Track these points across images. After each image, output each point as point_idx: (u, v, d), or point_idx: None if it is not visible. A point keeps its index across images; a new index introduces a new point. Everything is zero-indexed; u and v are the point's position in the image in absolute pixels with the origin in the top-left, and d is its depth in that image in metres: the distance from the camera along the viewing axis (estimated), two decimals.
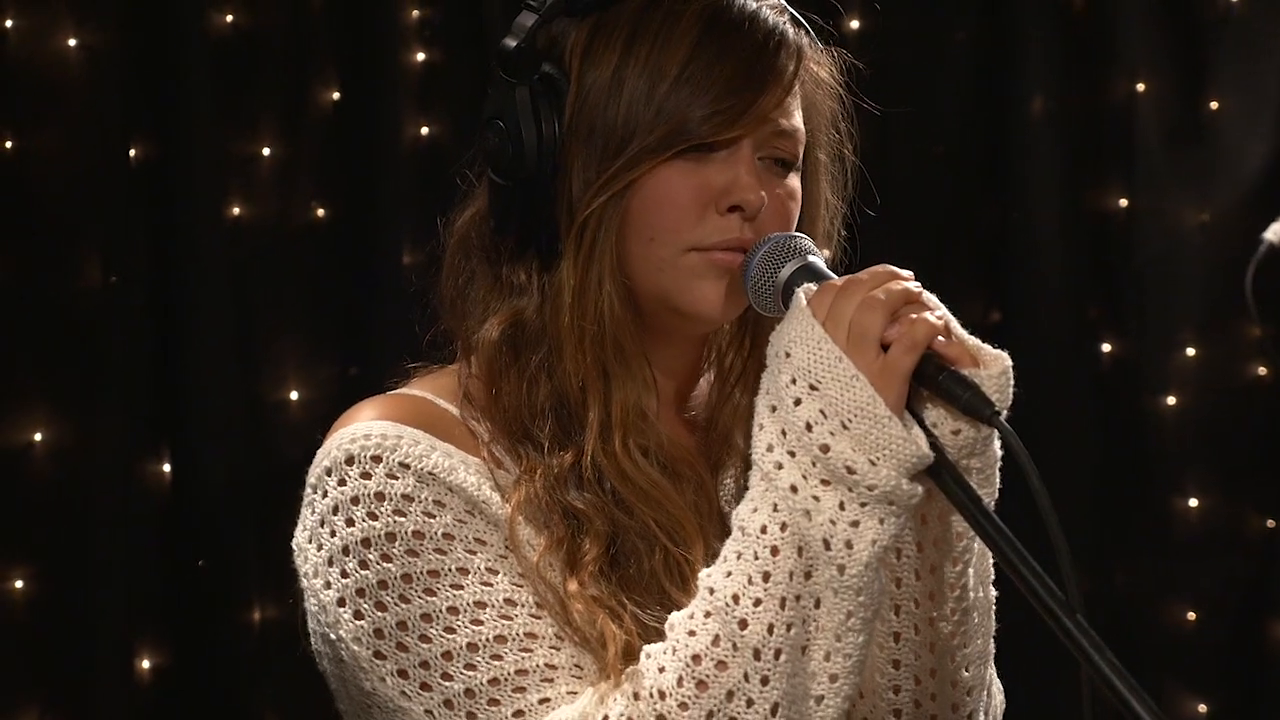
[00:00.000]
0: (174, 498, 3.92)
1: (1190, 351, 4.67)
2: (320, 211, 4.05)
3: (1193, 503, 4.67)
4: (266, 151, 3.99)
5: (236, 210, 3.99)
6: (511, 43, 1.75)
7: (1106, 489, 4.64)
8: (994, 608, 1.77)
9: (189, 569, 3.91)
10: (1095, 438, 4.65)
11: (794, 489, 1.59)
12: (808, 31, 1.82)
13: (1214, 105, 4.65)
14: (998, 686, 1.86)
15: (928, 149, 4.55)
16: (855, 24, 4.40)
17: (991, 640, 1.77)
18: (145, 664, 3.88)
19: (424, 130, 4.08)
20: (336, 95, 4.05)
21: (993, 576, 1.75)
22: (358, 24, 4.06)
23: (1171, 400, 4.68)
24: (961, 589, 1.72)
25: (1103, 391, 4.68)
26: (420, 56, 4.10)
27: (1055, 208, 4.60)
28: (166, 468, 3.92)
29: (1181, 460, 4.68)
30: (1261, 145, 4.60)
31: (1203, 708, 4.63)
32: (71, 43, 3.79)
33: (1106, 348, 4.68)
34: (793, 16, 1.81)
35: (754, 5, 1.77)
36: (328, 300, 4.04)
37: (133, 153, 3.88)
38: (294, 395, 3.99)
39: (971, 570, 1.72)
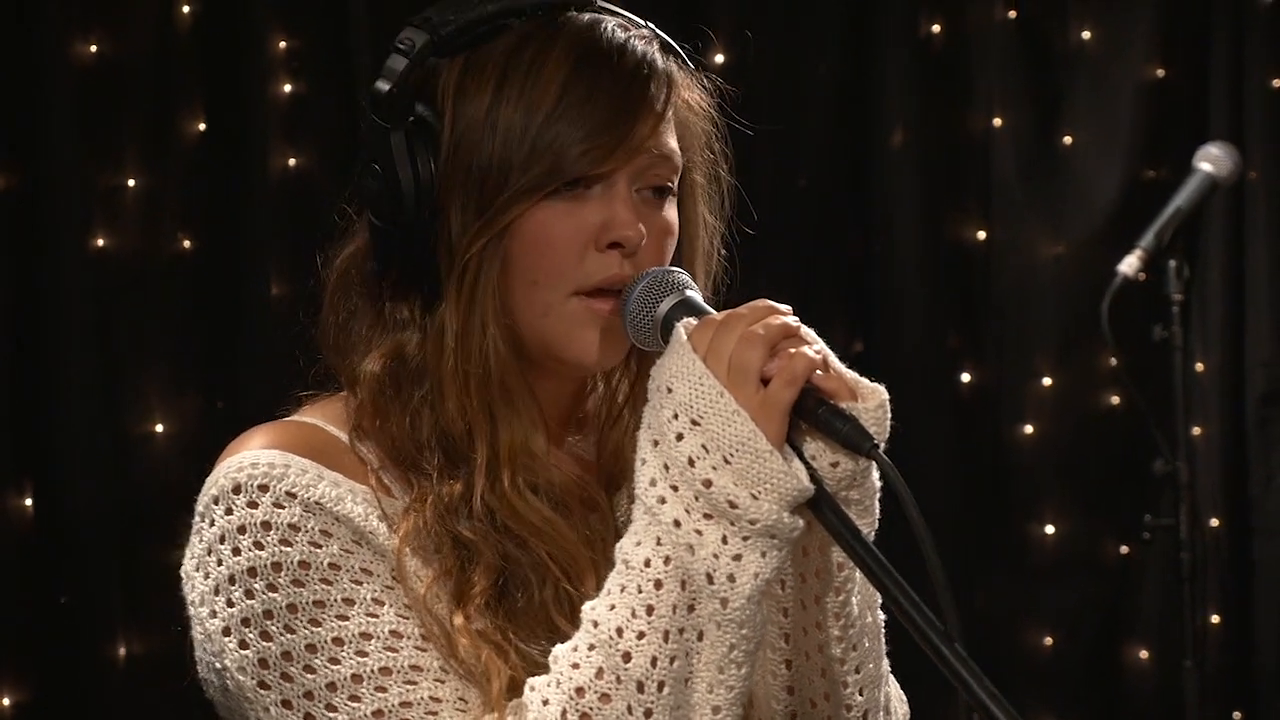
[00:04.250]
0: (36, 532, 3.88)
1: (1046, 381, 4.77)
2: (186, 243, 4.03)
3: (1049, 529, 4.77)
4: (131, 182, 3.97)
5: (101, 241, 3.96)
6: (384, 86, 1.74)
7: (966, 515, 4.72)
8: (884, 631, 1.79)
9: (52, 604, 3.87)
10: (955, 465, 4.73)
11: (677, 523, 1.61)
12: (678, 55, 1.84)
13: (1067, 139, 4.75)
14: (900, 698, 1.88)
15: (792, 180, 4.60)
16: (720, 58, 4.44)
17: (884, 662, 1.80)
18: (6, 700, 3.83)
19: (291, 161, 4.07)
20: (202, 126, 4.04)
21: (879, 601, 1.78)
22: (224, 55, 4.04)
23: (1029, 429, 4.77)
24: (847, 617, 1.74)
25: (963, 420, 4.75)
26: (287, 88, 4.09)
27: (916, 239, 4.68)
28: (29, 501, 3.87)
29: (1038, 487, 4.77)
30: (1112, 178, 4.72)
31: None
32: None
33: (966, 377, 4.76)
34: (662, 42, 1.82)
35: (623, 35, 1.78)
36: (194, 332, 4.01)
37: None
38: (159, 428, 3.96)
39: (855, 598, 1.75)
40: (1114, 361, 4.65)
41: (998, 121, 4.74)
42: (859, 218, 4.67)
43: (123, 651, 3.88)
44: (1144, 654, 4.79)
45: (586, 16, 1.79)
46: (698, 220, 1.86)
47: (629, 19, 1.82)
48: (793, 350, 1.63)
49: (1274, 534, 4.76)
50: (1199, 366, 4.72)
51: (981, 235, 4.76)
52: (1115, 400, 4.79)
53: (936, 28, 4.72)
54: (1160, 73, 4.76)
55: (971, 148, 4.74)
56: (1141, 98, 4.74)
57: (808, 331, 1.66)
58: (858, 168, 4.67)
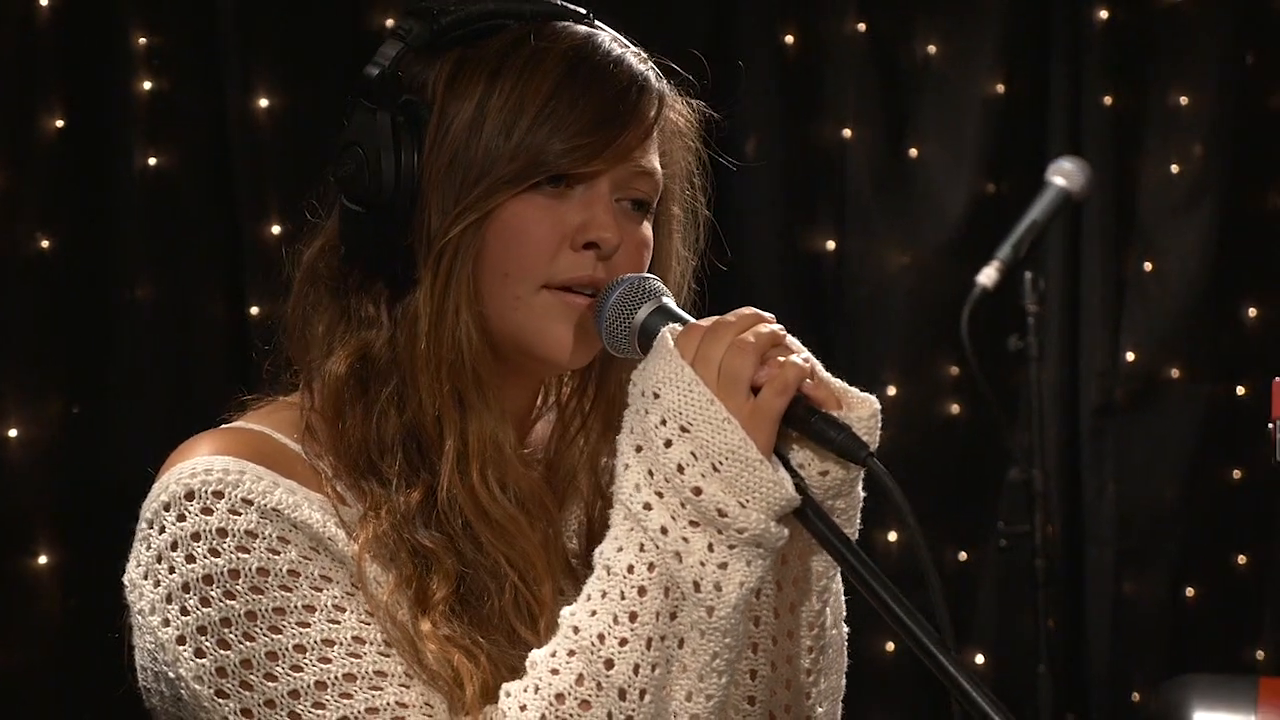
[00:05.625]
0: None
1: (892, 390, 4.83)
2: (45, 243, 3.93)
3: (891, 536, 4.83)
4: None
5: None
6: (375, 70, 1.74)
7: None
8: (846, 645, 1.81)
9: None
10: None
11: (664, 530, 1.60)
12: (670, 83, 1.85)
13: (914, 152, 4.83)
14: None
15: None
16: None
17: (843, 676, 1.82)
18: None
19: (152, 160, 3.99)
20: (61, 123, 3.94)
21: (844, 614, 1.79)
22: (84, 50, 3.96)
23: None
24: (820, 627, 1.76)
25: None
26: (148, 85, 4.01)
27: (769, 247, 4.71)
28: None
29: (882, 495, 4.82)
30: (957, 191, 4.80)
31: None
32: None
33: None
34: (655, 67, 1.83)
35: (618, 51, 1.79)
36: (52, 335, 3.92)
37: None
38: (13, 433, 3.86)
39: (829, 609, 1.76)
40: (958, 371, 4.74)
41: (848, 133, 4.80)
42: (712, 226, 4.68)
43: None
44: (981, 659, 4.88)
45: (583, 29, 1.80)
46: (671, 252, 1.88)
47: (624, 40, 1.83)
48: (782, 359, 1.63)
49: (1105, 542, 4.88)
50: None
51: (831, 245, 4.81)
52: (956, 409, 4.87)
53: (790, 39, 4.76)
54: (1001, 88, 4.85)
55: (824, 158, 4.79)
56: (984, 112, 4.83)
57: (793, 340, 1.66)
58: (711, 176, 4.68)
